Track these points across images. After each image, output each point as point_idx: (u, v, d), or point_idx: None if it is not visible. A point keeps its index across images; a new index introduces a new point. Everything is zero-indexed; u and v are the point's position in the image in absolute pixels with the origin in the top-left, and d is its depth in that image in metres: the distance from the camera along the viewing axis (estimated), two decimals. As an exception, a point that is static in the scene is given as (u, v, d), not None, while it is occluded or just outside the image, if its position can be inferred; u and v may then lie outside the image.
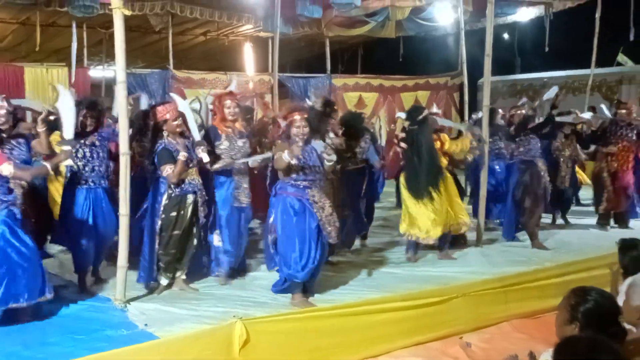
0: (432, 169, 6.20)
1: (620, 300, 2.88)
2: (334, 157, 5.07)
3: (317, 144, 5.02)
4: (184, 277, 5.38)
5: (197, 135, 5.32)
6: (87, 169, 5.34)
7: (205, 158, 5.22)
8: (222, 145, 5.50)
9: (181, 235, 5.21)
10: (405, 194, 6.38)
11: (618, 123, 8.03)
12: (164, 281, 5.27)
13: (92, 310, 4.78)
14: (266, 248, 5.30)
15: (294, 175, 5.00)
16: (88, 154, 5.34)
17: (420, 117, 6.23)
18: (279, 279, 5.20)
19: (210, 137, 5.50)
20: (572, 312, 2.61)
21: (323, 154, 5.02)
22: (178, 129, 5.19)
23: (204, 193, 5.30)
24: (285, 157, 4.84)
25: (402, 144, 6.25)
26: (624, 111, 8.07)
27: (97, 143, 5.42)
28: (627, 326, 2.74)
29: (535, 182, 7.09)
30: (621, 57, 15.95)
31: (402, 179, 6.50)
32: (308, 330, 4.67)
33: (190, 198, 5.20)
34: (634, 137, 7.96)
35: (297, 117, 5.02)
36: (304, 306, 4.87)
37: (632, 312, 2.71)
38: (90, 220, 5.29)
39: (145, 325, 4.36)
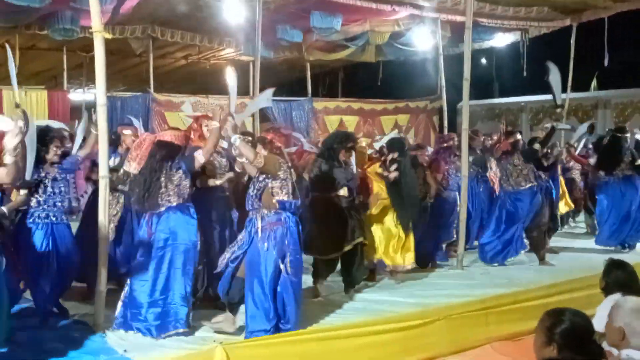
0: (415, 200, 6.29)
1: (599, 321, 2.90)
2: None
3: None
4: None
5: None
6: (48, 203, 5.06)
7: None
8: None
9: None
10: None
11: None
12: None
13: (70, 336, 4.67)
14: None
15: None
16: (50, 189, 5.08)
17: (406, 147, 6.36)
18: None
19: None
20: (549, 334, 2.62)
21: None
22: None
23: None
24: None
25: (393, 173, 6.15)
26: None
27: (58, 177, 5.17)
28: (608, 348, 2.76)
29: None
30: (593, 84, 16.39)
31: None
32: (290, 355, 4.62)
33: None
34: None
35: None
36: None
37: (615, 334, 2.72)
38: (51, 258, 5.00)
39: (125, 351, 4.29)
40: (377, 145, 7.33)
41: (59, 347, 4.40)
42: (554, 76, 7.28)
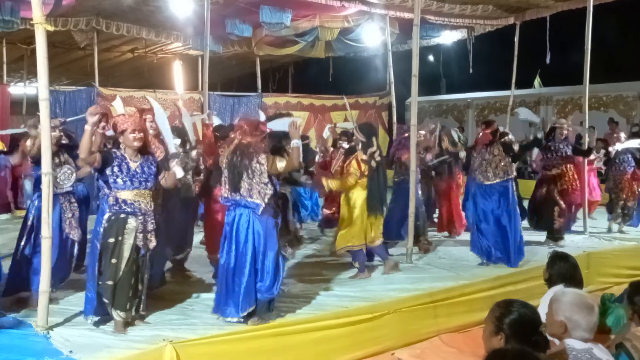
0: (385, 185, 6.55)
1: (543, 311, 2.99)
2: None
3: None
4: (142, 312, 4.86)
5: (171, 147, 5.12)
6: None
7: (179, 173, 4.98)
8: None
9: (125, 266, 4.59)
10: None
11: (554, 144, 8.20)
12: (117, 317, 4.64)
13: (12, 337, 4.51)
14: None
15: None
16: None
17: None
18: None
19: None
20: (498, 323, 2.70)
21: None
22: (136, 143, 4.62)
23: (153, 220, 4.73)
24: None
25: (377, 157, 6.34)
26: (562, 129, 8.21)
27: None
28: (551, 338, 2.84)
29: None
30: (537, 81, 16.86)
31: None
32: (240, 352, 4.62)
33: (131, 223, 4.63)
34: (569, 153, 8.18)
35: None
36: None
37: (556, 327, 2.81)
38: None
39: (70, 352, 4.17)
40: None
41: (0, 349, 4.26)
42: (523, 114, 7.66)
